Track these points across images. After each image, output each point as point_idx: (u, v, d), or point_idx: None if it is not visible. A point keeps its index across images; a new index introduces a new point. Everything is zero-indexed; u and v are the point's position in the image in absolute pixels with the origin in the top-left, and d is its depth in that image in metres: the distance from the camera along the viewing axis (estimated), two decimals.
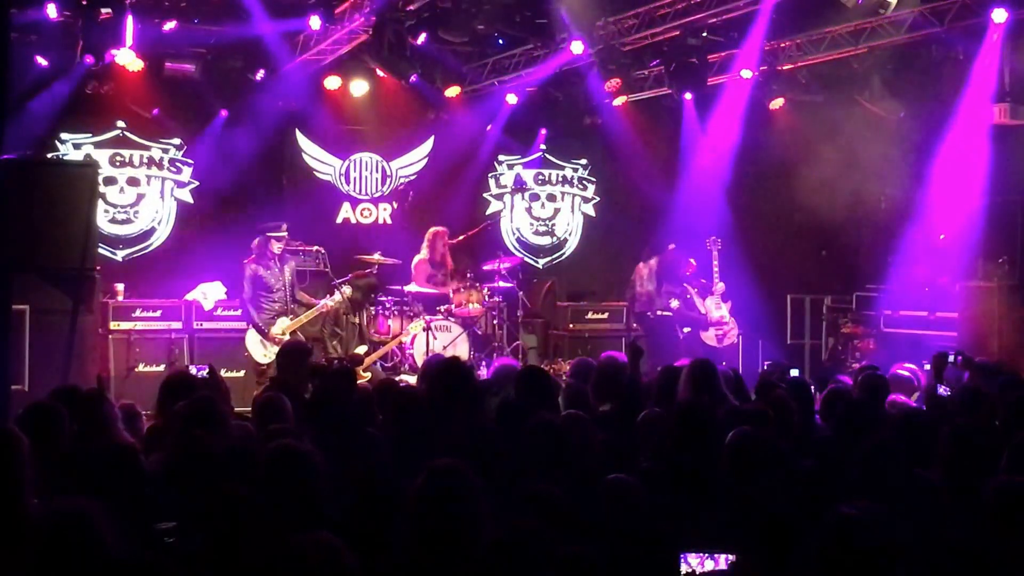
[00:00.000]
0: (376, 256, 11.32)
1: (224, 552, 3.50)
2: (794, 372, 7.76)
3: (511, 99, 12.96)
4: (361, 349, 10.38)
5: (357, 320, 10.71)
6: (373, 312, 11.20)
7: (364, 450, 4.89)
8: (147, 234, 12.15)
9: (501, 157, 13.96)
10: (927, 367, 8.27)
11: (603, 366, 6.57)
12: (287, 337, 9.70)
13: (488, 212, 13.88)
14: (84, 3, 9.52)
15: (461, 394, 5.51)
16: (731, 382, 6.24)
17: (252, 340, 10.02)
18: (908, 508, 3.96)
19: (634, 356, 6.56)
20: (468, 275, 11.66)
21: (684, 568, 3.44)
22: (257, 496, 3.72)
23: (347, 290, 10.38)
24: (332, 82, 11.95)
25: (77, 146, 11.76)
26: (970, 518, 3.97)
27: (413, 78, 11.27)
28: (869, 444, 4.64)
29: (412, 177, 13.29)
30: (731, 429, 4.54)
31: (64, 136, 11.67)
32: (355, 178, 13.18)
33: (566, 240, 14.38)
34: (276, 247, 10.01)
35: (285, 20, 10.42)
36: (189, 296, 10.88)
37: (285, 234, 10.09)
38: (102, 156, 11.75)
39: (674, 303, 11.21)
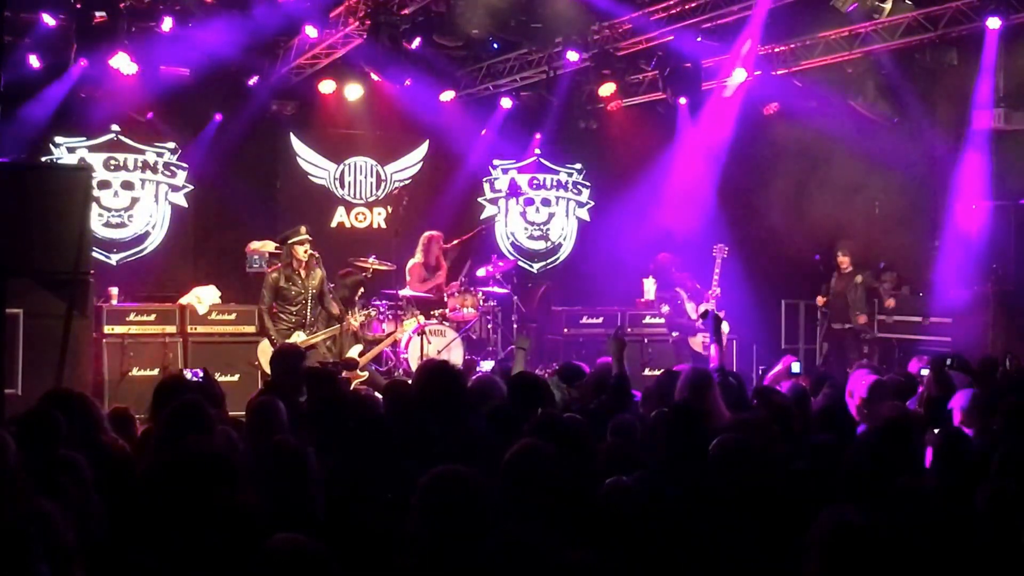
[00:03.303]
0: (371, 260, 11.29)
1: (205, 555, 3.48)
2: (795, 367, 7.53)
3: (505, 103, 12.97)
4: (356, 350, 10.29)
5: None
6: (370, 314, 11.15)
7: (360, 453, 4.86)
8: (141, 238, 12.12)
9: (496, 161, 13.96)
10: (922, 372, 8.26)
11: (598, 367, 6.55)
12: None
13: (483, 216, 13.88)
14: (79, 7, 9.51)
15: (450, 398, 5.49)
16: (732, 388, 6.21)
17: (264, 351, 9.63)
18: (902, 512, 3.95)
19: (618, 349, 6.49)
20: (462, 279, 11.65)
21: None
22: (246, 499, 3.70)
23: (372, 312, 10.24)
24: (327, 86, 11.94)
25: (71, 150, 11.74)
26: (961, 523, 3.96)
27: (408, 82, 11.27)
28: (864, 448, 4.63)
29: (407, 181, 13.28)
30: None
31: (58, 140, 11.66)
32: (350, 182, 13.17)
33: (561, 244, 14.37)
34: (301, 252, 9.48)
35: (280, 24, 10.41)
36: (183, 300, 10.85)
37: (306, 236, 9.56)
38: (96, 160, 11.74)
39: (664, 308, 11.24)
